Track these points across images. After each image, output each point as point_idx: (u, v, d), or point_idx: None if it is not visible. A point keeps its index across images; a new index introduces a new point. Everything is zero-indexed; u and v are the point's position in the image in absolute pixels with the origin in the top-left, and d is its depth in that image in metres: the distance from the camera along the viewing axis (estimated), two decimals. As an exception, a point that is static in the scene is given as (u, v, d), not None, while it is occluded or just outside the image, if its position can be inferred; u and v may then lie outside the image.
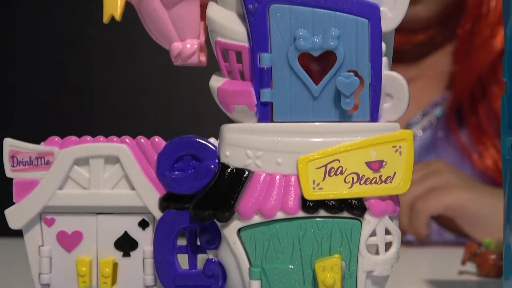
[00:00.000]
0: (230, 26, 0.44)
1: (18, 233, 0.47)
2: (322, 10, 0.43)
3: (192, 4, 0.46)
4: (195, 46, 0.46)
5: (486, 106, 0.95)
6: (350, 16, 0.43)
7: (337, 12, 0.43)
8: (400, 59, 0.97)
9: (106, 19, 0.47)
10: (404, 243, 0.50)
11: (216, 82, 0.44)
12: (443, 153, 0.96)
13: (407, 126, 0.97)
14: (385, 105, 0.44)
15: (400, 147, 0.43)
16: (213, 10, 0.45)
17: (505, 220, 0.46)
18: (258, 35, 0.43)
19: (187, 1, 0.46)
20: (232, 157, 0.43)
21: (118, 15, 0.47)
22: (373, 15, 0.43)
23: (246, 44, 0.44)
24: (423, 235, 0.85)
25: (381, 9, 0.44)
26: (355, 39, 0.43)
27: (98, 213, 0.46)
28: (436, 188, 0.85)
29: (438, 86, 1.00)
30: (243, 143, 0.43)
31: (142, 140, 0.46)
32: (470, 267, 0.66)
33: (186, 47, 0.46)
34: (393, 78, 0.44)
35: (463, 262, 0.65)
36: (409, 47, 0.98)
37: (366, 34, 0.43)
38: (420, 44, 0.99)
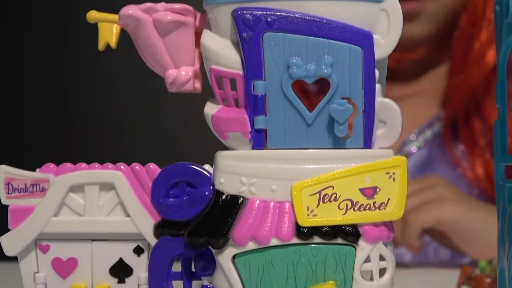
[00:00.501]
0: (225, 54, 0.44)
1: (15, 258, 0.47)
2: (316, 38, 0.44)
3: (186, 31, 0.47)
4: (190, 73, 0.47)
5: (480, 119, 0.96)
6: (343, 44, 0.44)
7: (331, 40, 0.44)
8: (396, 77, 0.98)
9: (101, 46, 0.48)
10: (399, 264, 0.50)
11: (210, 109, 0.45)
12: (438, 168, 0.97)
13: (403, 144, 0.98)
14: (379, 131, 0.44)
15: (393, 173, 0.43)
16: (207, 37, 0.45)
17: (498, 244, 0.47)
18: (252, 63, 0.44)
19: (182, 28, 0.47)
20: (226, 184, 0.44)
21: (113, 43, 0.48)
22: (366, 42, 0.44)
23: (240, 72, 0.44)
24: (415, 247, 0.85)
25: (374, 36, 0.44)
26: (349, 67, 0.44)
27: (93, 240, 0.46)
28: (429, 202, 0.85)
29: (434, 104, 1.01)
30: (237, 170, 0.44)
31: (137, 167, 0.46)
32: (466, 291, 0.67)
33: (180, 74, 0.47)
34: (386, 105, 0.44)
35: (459, 286, 0.66)
36: (405, 64, 0.99)
37: (359, 62, 0.44)
38: (416, 62, 1.00)
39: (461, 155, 0.97)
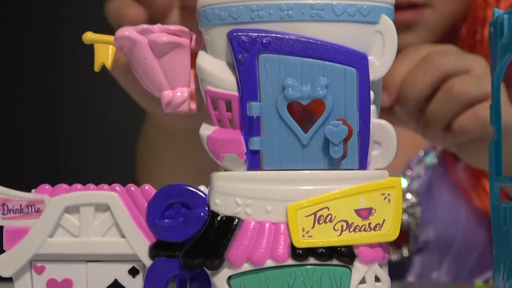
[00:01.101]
0: (220, 75, 0.45)
1: (10, 279, 0.47)
2: (311, 59, 0.44)
3: (182, 53, 0.47)
4: (185, 94, 0.47)
5: None
6: (338, 66, 0.44)
7: (326, 62, 0.44)
8: None
9: (97, 67, 0.48)
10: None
11: (206, 130, 0.45)
12: (441, 192, 0.96)
13: (408, 165, 0.96)
14: (374, 152, 0.45)
15: (388, 194, 0.43)
16: (203, 59, 0.46)
17: (494, 264, 0.47)
18: (248, 84, 0.44)
19: (178, 50, 0.47)
20: (222, 205, 0.44)
21: (109, 64, 0.48)
22: (361, 64, 0.44)
23: (236, 93, 0.44)
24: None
25: (369, 58, 0.45)
26: (344, 88, 0.44)
27: (88, 261, 0.46)
28: None
29: None
30: (232, 191, 0.44)
31: (132, 188, 0.46)
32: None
33: (176, 96, 0.47)
34: (381, 126, 0.45)
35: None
36: None
37: (354, 83, 0.44)
38: None
39: (463, 178, 0.95)
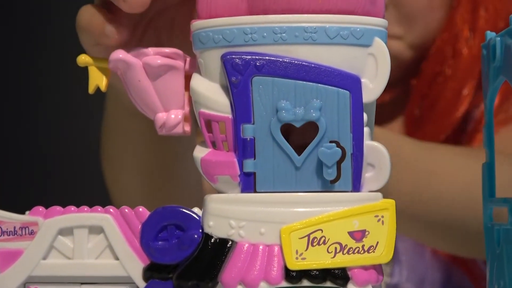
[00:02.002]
0: (214, 98, 0.45)
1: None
2: (304, 82, 0.44)
3: (176, 75, 0.48)
4: (180, 116, 0.47)
5: None
6: (331, 88, 0.45)
7: (319, 84, 0.44)
8: None
9: (91, 90, 0.49)
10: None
11: (199, 152, 0.46)
12: (400, 246, 0.92)
13: None
14: (367, 174, 0.45)
15: (382, 216, 0.44)
16: (197, 81, 0.46)
17: (488, 285, 0.48)
18: (241, 107, 0.44)
19: (172, 72, 0.48)
20: (215, 227, 0.44)
21: (103, 87, 0.49)
22: (354, 86, 0.45)
23: (230, 115, 0.45)
24: None
25: (362, 80, 0.45)
26: (337, 110, 0.44)
27: (82, 283, 0.47)
28: None
29: None
30: (226, 213, 0.44)
31: (126, 210, 0.46)
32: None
33: (170, 118, 0.47)
34: (374, 148, 0.45)
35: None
36: None
37: (347, 105, 0.45)
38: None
39: None
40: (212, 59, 0.46)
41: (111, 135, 0.83)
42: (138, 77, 0.48)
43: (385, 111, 0.95)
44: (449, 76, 0.91)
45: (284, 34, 0.45)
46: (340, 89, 0.45)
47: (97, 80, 0.49)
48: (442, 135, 0.91)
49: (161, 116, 0.48)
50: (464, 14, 0.91)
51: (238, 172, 0.45)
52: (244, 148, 0.44)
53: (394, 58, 0.87)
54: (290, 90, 0.44)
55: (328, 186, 0.44)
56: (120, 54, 0.48)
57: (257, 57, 0.45)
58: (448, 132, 0.91)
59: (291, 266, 0.43)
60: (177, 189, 0.77)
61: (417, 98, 0.94)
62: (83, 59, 0.50)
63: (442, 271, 0.92)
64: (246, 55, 0.45)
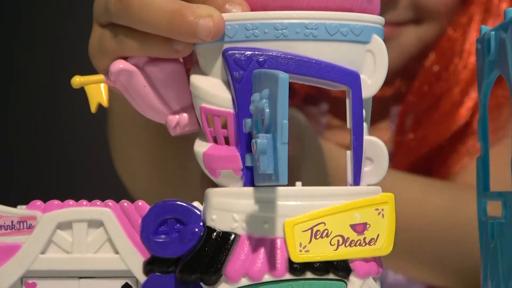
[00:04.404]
0: (215, 93, 0.47)
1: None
2: (305, 77, 0.46)
3: (179, 75, 0.49)
4: (192, 114, 0.49)
5: None
6: (332, 84, 0.47)
7: (320, 80, 0.46)
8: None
9: (93, 109, 0.50)
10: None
11: (201, 147, 0.47)
12: None
13: None
14: (366, 168, 0.47)
15: (382, 209, 0.46)
16: (197, 77, 0.48)
17: (482, 281, 0.50)
18: (244, 101, 0.46)
19: (174, 72, 0.49)
20: (218, 220, 0.46)
21: (105, 102, 0.50)
22: (354, 82, 0.47)
23: (231, 110, 0.47)
24: None
25: (361, 76, 0.47)
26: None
27: (80, 277, 0.48)
28: None
29: None
30: (229, 207, 0.46)
31: (126, 204, 0.48)
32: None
33: (183, 117, 0.49)
34: (373, 143, 0.47)
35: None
36: None
37: (347, 101, 0.47)
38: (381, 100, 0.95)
39: None
40: (212, 54, 0.47)
41: (119, 129, 0.85)
42: (143, 83, 0.49)
43: (388, 105, 0.97)
44: (454, 75, 0.92)
45: (285, 30, 0.46)
46: (340, 85, 0.46)
47: (97, 97, 0.50)
48: (446, 133, 0.92)
49: (172, 118, 0.49)
50: (475, 15, 0.91)
51: (241, 166, 0.46)
52: (246, 143, 0.46)
53: (401, 45, 0.90)
54: (291, 85, 0.46)
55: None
56: (120, 64, 0.49)
57: (258, 52, 0.46)
58: (452, 130, 0.92)
59: (295, 259, 0.45)
60: (189, 180, 0.78)
61: (419, 96, 0.94)
62: (77, 81, 0.50)
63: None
64: (248, 51, 0.46)
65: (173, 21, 0.46)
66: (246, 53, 0.46)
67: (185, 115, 0.49)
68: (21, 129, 1.64)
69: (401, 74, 0.95)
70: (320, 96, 0.96)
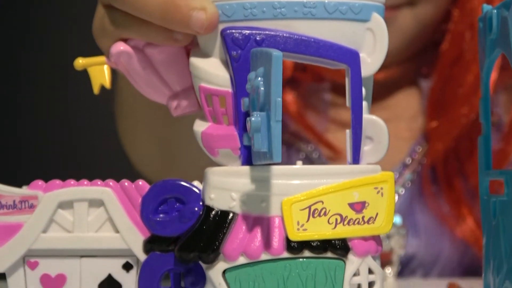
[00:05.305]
0: (214, 72, 0.47)
1: (2, 275, 0.49)
2: (304, 56, 0.47)
3: (179, 55, 0.49)
4: (192, 94, 0.49)
5: (463, 179, 0.94)
6: (331, 62, 0.47)
7: (318, 58, 0.47)
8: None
9: (96, 90, 0.51)
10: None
11: (200, 126, 0.48)
12: (421, 210, 0.95)
13: None
14: (366, 147, 0.47)
15: (381, 188, 0.46)
16: (196, 56, 0.48)
17: (484, 260, 0.50)
18: (242, 81, 0.46)
19: (174, 53, 0.49)
20: (216, 199, 0.46)
21: (107, 84, 0.50)
22: (353, 61, 0.47)
23: (230, 89, 0.47)
24: None
25: (360, 55, 0.47)
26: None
27: (82, 256, 0.49)
28: None
29: (407, 136, 0.98)
30: (227, 185, 0.46)
31: (126, 184, 0.48)
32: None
33: (183, 98, 0.49)
34: (373, 122, 0.48)
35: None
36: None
37: (347, 80, 0.47)
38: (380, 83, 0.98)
39: (443, 205, 0.95)
40: (211, 34, 0.47)
41: (126, 108, 0.86)
42: (143, 64, 0.49)
43: (396, 86, 0.98)
44: (470, 59, 0.91)
45: (283, 9, 0.47)
46: (339, 64, 0.47)
47: (100, 79, 0.51)
48: (464, 119, 0.92)
49: (173, 99, 0.49)
50: None
51: (239, 145, 0.47)
52: (244, 122, 0.46)
53: (398, 28, 0.89)
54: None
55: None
56: (121, 46, 0.49)
57: (257, 31, 0.46)
58: (472, 115, 0.91)
59: (292, 237, 0.45)
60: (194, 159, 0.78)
61: (439, 82, 0.95)
62: (80, 63, 0.51)
63: (457, 251, 0.94)
64: (246, 30, 0.46)
65: (167, 12, 0.46)
66: (244, 32, 0.46)
67: (185, 95, 0.49)
68: (24, 111, 1.65)
69: (406, 56, 0.95)
70: (323, 74, 0.96)
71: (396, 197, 0.95)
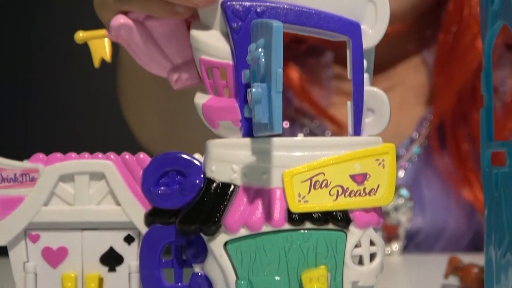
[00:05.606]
0: (214, 44, 0.47)
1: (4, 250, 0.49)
2: (304, 27, 0.46)
3: (179, 28, 0.49)
4: (192, 67, 0.49)
5: (471, 144, 0.94)
6: (331, 34, 0.47)
7: (319, 30, 0.46)
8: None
9: (97, 63, 0.51)
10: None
11: (200, 99, 0.48)
12: (428, 182, 0.96)
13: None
14: (367, 119, 0.47)
15: (383, 160, 0.46)
16: (196, 29, 0.48)
17: (486, 233, 0.50)
18: (242, 53, 0.46)
19: (174, 26, 0.49)
20: (217, 171, 0.46)
21: (108, 57, 0.50)
22: (354, 33, 0.47)
23: (230, 62, 0.47)
24: None
25: (362, 26, 0.47)
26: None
27: (83, 229, 0.49)
28: None
29: (418, 102, 0.98)
30: (228, 158, 0.46)
31: (127, 156, 0.48)
32: (453, 280, 0.70)
33: (184, 71, 0.49)
34: (374, 94, 0.47)
35: (446, 276, 0.69)
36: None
37: (348, 52, 0.47)
38: (387, 44, 0.98)
39: (451, 168, 0.95)
40: (211, 6, 0.47)
41: (129, 82, 0.86)
42: (143, 37, 0.49)
43: (400, 53, 0.97)
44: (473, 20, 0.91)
45: (284, -20, 0.46)
46: (340, 35, 0.46)
47: (101, 52, 0.51)
48: (466, 75, 0.92)
49: (173, 72, 0.49)
50: None
51: (240, 117, 0.47)
52: (245, 94, 0.46)
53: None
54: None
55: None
56: (121, 19, 0.49)
57: (257, 3, 0.46)
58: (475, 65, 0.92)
59: (293, 209, 0.45)
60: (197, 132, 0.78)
61: (444, 43, 0.95)
62: (81, 36, 0.51)
63: (464, 218, 0.94)
64: (246, 1, 0.46)
65: None
66: (245, 4, 0.46)
67: (186, 68, 0.49)
68: (26, 84, 1.65)
69: (412, 16, 0.94)
70: (325, 46, 0.96)
71: (403, 172, 0.95)
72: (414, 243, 0.93)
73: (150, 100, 0.87)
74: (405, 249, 0.92)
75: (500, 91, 0.94)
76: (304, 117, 0.96)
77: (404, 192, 0.92)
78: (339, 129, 0.94)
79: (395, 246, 0.90)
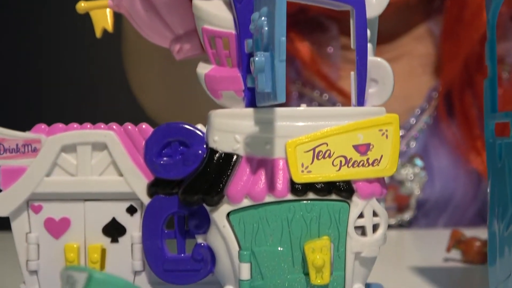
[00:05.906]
0: (217, 13, 0.47)
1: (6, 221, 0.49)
2: (307, -4, 0.46)
3: None
4: (194, 37, 0.49)
5: (474, 103, 0.95)
6: (335, 3, 0.46)
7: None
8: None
9: (98, 33, 0.50)
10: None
11: (203, 69, 0.47)
12: (437, 159, 0.96)
13: (404, 126, 0.97)
14: (371, 90, 0.47)
15: (386, 130, 0.46)
16: (200, -2, 0.48)
17: (489, 205, 0.50)
18: (245, 22, 0.46)
19: None
20: (220, 142, 0.46)
21: (110, 27, 0.50)
22: (358, 2, 0.47)
23: (233, 31, 0.47)
24: None
25: (365, -4, 0.47)
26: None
27: (85, 200, 0.49)
28: None
29: (426, 72, 0.98)
30: (231, 128, 0.46)
31: (130, 127, 0.48)
32: (455, 254, 0.70)
33: (185, 41, 0.49)
34: (378, 64, 0.47)
35: (448, 249, 0.69)
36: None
37: (351, 21, 0.46)
38: (394, 15, 0.96)
39: (459, 137, 0.96)
40: (214, -26, 0.47)
41: (134, 52, 0.86)
42: (145, 7, 0.49)
43: (407, 23, 0.97)
44: None
45: (287, -51, 0.46)
46: (344, 5, 0.46)
47: (102, 22, 0.51)
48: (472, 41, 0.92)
49: (175, 42, 0.49)
50: None
51: (243, 87, 0.46)
52: (248, 63, 0.46)
53: None
54: (294, 4, 0.46)
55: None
56: None
57: (260, -28, 0.46)
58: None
59: (296, 179, 0.45)
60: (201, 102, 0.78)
61: (452, 9, 0.95)
62: (82, 6, 0.51)
63: (472, 187, 0.95)
64: (250, -30, 0.46)
65: None
66: (248, -27, 0.46)
67: (188, 39, 0.49)
68: (29, 55, 1.65)
69: None
70: (330, 16, 0.96)
71: (414, 142, 0.95)
72: (422, 212, 0.94)
73: (153, 68, 0.87)
74: (414, 219, 0.92)
75: (507, 62, 0.94)
76: (313, 90, 0.96)
77: (418, 161, 0.93)
78: (349, 102, 0.94)
79: (406, 217, 0.90)
